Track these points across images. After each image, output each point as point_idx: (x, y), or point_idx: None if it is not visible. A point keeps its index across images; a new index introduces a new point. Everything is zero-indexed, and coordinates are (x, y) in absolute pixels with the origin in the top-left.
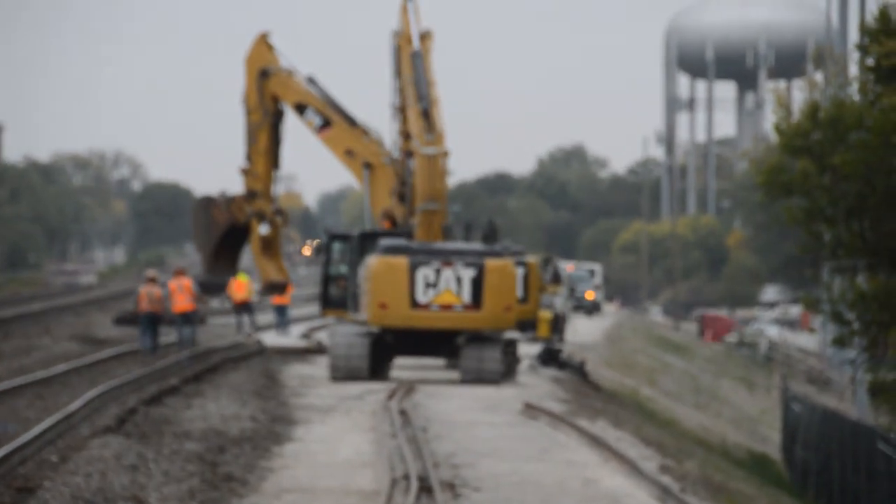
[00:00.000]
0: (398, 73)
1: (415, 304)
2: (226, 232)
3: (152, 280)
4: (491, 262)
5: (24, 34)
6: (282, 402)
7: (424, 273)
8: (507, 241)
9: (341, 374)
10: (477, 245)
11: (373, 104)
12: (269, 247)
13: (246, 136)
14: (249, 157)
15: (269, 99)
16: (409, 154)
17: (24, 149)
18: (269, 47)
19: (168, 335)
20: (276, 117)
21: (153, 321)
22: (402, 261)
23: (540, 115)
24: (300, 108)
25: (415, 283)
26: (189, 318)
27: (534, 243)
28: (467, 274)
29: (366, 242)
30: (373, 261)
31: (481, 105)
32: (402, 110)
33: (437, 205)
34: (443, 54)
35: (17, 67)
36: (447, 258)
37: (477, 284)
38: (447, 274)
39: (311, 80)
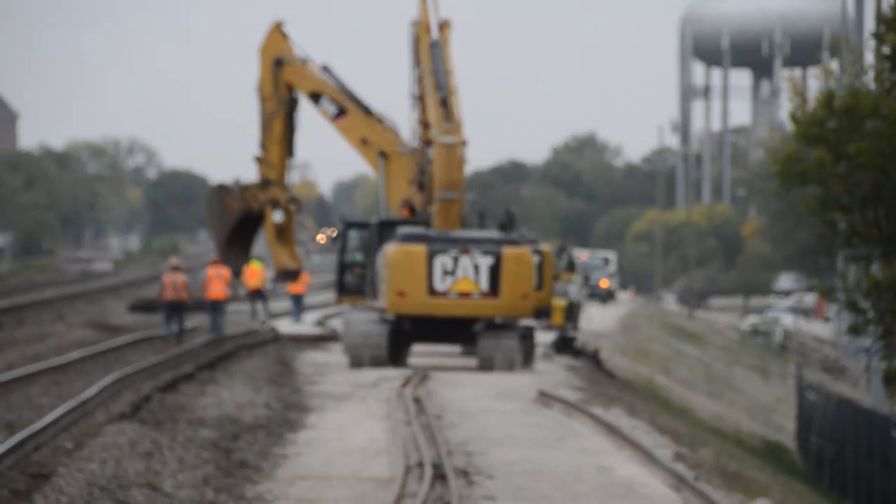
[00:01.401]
0: (417, 62)
1: (433, 291)
2: (239, 220)
3: (176, 268)
4: (508, 250)
5: (39, 24)
6: (296, 389)
7: (442, 261)
8: (524, 230)
9: (360, 360)
10: (494, 233)
11: (390, 93)
12: (283, 234)
13: (260, 125)
14: (263, 146)
15: (284, 87)
16: (427, 143)
17: (39, 136)
18: (284, 36)
19: (191, 321)
20: (291, 106)
21: (178, 308)
22: (420, 248)
23: (554, 104)
24: (315, 97)
25: (433, 271)
26: (220, 307)
27: (548, 231)
28: (485, 262)
29: (384, 230)
30: (391, 248)
31: (495, 93)
32: (420, 99)
33: (455, 194)
34: (457, 43)
35: (31, 56)
36: (465, 246)
37: (494, 272)
38: (465, 262)
39: (326, 69)
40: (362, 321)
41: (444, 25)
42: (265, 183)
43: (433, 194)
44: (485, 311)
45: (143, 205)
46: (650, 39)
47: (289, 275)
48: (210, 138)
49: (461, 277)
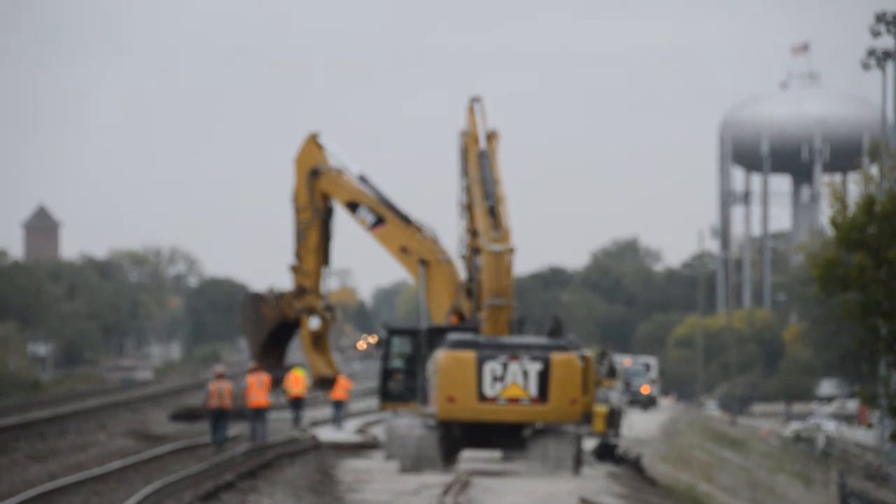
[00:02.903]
0: (465, 172)
1: (482, 397)
2: (275, 328)
3: (221, 376)
4: (557, 356)
5: (80, 134)
6: (337, 497)
7: (492, 367)
8: (572, 335)
9: (411, 466)
10: (542, 339)
11: (436, 202)
12: (319, 342)
13: (295, 234)
14: (299, 254)
15: (319, 197)
16: (476, 250)
17: (81, 246)
18: (319, 147)
19: (234, 429)
20: (326, 215)
21: (222, 416)
22: (469, 355)
23: (593, 209)
24: (352, 206)
25: (482, 377)
26: (262, 414)
27: (588, 337)
28: (534, 368)
29: (433, 337)
30: (441, 355)
31: (535, 198)
32: (468, 208)
33: (504, 300)
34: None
35: (73, 165)
36: (514, 352)
37: (543, 378)
38: (514, 368)
39: (363, 179)
40: (412, 427)
41: (491, 136)
42: (300, 291)
43: (482, 301)
44: (534, 417)
45: (184, 313)
46: (690, 145)
47: (326, 382)
48: (250, 246)
49: (510, 383)
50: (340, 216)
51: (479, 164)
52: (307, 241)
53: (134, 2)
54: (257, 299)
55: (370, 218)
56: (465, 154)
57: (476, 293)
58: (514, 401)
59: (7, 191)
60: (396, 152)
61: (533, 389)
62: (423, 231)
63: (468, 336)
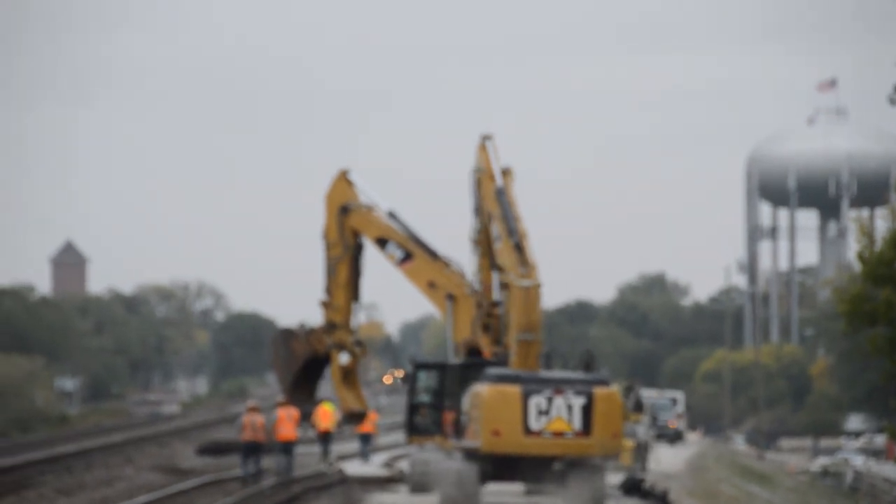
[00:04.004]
0: (478, 209)
1: (528, 431)
2: (305, 363)
3: (254, 409)
4: (600, 391)
5: (108, 167)
6: None
7: (537, 401)
8: (605, 370)
9: (452, 499)
10: (584, 374)
11: (445, 235)
12: (349, 377)
13: (325, 270)
14: (329, 290)
15: (350, 233)
16: (504, 286)
17: (109, 281)
18: (349, 183)
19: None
20: (357, 250)
21: (255, 450)
22: (514, 389)
23: (620, 244)
24: (382, 242)
25: (528, 411)
26: (290, 448)
27: (615, 371)
28: (578, 402)
29: (466, 372)
30: (484, 389)
31: (560, 232)
32: (479, 244)
33: (534, 335)
34: (522, 182)
35: (100, 201)
36: (558, 386)
37: (587, 412)
38: (558, 402)
39: (392, 215)
40: (450, 461)
41: (506, 173)
42: (331, 326)
43: (511, 336)
44: (578, 451)
45: (211, 347)
46: (717, 180)
47: (355, 417)
48: (277, 281)
49: (555, 417)
50: (368, 251)
51: (498, 201)
52: (337, 277)
53: (153, 37)
54: (287, 335)
55: (399, 253)
56: (477, 190)
57: (495, 328)
58: (558, 434)
59: (35, 226)
60: (416, 189)
61: (577, 423)
62: (450, 266)
63: (510, 371)
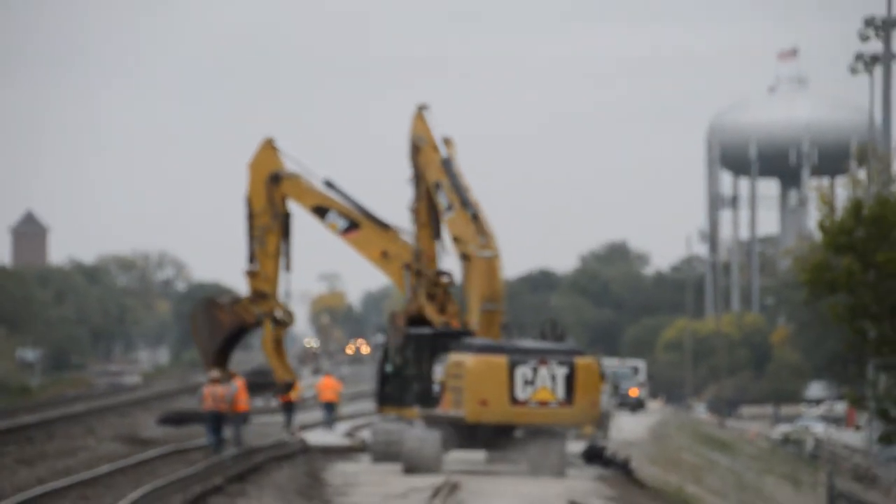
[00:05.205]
0: (416, 178)
1: (514, 400)
2: (232, 333)
3: (215, 380)
4: (580, 361)
5: (68, 139)
6: (325, 501)
7: (523, 371)
8: (572, 339)
9: (416, 466)
10: (566, 344)
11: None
12: (277, 347)
13: (248, 239)
14: (255, 259)
15: (280, 202)
16: (464, 257)
17: (69, 251)
18: (276, 151)
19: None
20: (286, 219)
21: (217, 419)
22: (501, 359)
23: (582, 213)
24: (320, 211)
25: (514, 381)
26: (245, 418)
27: (577, 341)
28: (561, 371)
29: (438, 341)
30: (469, 359)
31: (523, 202)
32: (418, 213)
33: (497, 305)
34: (485, 152)
35: (60, 171)
36: (543, 356)
37: (569, 381)
38: (543, 372)
39: (330, 184)
40: (411, 429)
41: (447, 142)
42: (258, 296)
43: (473, 306)
44: (561, 419)
45: (172, 317)
46: (678, 148)
47: (288, 386)
48: (238, 251)
49: (540, 387)
50: (304, 220)
51: (445, 171)
52: (266, 247)
53: (109, 12)
54: (212, 305)
55: (341, 223)
56: (416, 160)
57: (441, 297)
58: (543, 404)
59: None
60: (354, 163)
61: (560, 393)
62: (400, 235)
63: (493, 341)
